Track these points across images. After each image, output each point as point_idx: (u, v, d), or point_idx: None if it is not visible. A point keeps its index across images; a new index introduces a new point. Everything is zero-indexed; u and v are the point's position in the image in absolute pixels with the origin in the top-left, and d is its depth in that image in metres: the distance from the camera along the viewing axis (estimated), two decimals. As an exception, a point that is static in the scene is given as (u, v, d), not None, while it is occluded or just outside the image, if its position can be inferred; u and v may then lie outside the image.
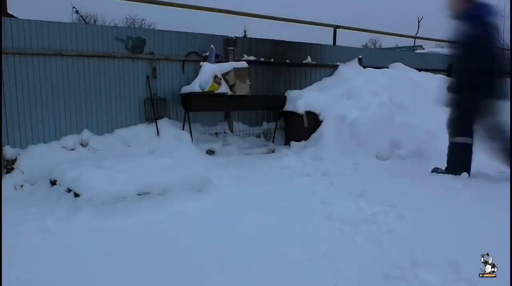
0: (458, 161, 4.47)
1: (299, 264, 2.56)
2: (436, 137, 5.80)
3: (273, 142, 6.69)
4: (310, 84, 7.24)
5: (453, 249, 2.71)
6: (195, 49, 6.04)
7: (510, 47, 14.44)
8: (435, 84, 6.95)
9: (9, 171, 4.50)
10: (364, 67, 7.38)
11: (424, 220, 3.28)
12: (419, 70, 7.85)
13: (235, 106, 6.12)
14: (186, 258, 2.67)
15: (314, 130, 6.21)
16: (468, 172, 4.44)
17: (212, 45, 5.99)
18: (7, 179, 4.39)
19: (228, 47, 6.27)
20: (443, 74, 8.63)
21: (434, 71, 8.45)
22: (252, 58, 6.59)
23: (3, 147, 4.58)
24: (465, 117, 4.40)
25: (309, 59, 7.27)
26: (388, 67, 7.67)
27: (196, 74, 5.90)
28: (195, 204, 3.68)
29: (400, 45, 26.05)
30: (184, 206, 3.61)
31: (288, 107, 6.61)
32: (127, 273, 2.49)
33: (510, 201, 3.57)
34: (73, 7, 15.74)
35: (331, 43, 8.12)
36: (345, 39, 9.02)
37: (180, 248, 2.84)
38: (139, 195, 3.54)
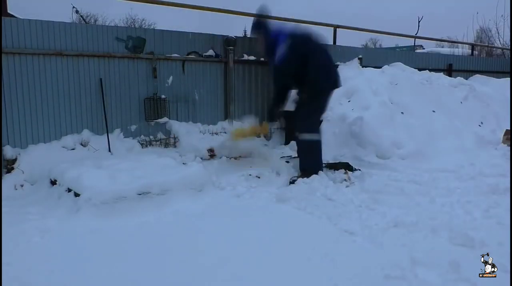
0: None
1: (299, 264, 2.56)
2: (437, 137, 5.81)
3: (272, 142, 6.67)
4: (310, 84, 7.22)
5: (453, 249, 2.72)
6: (195, 49, 6.03)
7: (511, 47, 14.47)
8: (435, 84, 6.98)
9: (9, 170, 4.50)
10: (364, 67, 7.37)
11: (422, 219, 3.28)
12: (419, 70, 7.83)
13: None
14: (186, 258, 2.67)
15: (314, 130, 6.19)
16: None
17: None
18: (7, 179, 4.39)
19: (228, 47, 6.26)
20: (444, 74, 8.63)
21: (434, 71, 8.43)
22: (252, 58, 6.58)
23: (3, 147, 4.58)
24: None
25: (309, 59, 7.25)
26: (388, 67, 7.65)
27: (196, 74, 5.88)
28: (195, 203, 3.68)
29: (400, 45, 26.04)
30: (184, 205, 3.60)
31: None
32: (127, 273, 2.49)
33: (510, 201, 3.58)
34: (73, 7, 15.72)
35: (331, 43, 8.11)
36: (345, 39, 9.01)
37: (180, 248, 2.84)
38: (139, 194, 3.54)
